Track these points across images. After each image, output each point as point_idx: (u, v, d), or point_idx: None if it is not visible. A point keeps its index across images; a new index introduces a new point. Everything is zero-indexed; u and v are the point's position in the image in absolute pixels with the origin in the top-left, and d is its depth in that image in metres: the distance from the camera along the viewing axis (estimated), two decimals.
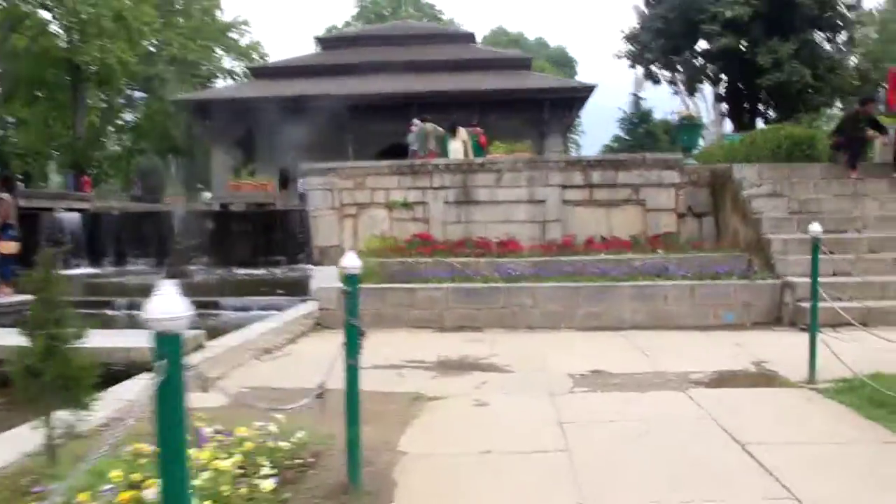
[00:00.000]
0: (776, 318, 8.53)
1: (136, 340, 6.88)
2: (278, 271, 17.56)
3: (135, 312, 11.95)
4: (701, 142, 15.61)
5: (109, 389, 4.93)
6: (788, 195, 10.39)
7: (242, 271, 18.15)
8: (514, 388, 5.47)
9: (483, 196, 11.46)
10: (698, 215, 11.61)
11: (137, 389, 4.93)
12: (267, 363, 6.68)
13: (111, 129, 50.58)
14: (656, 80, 28.99)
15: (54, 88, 44.11)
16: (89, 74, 40.93)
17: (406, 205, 11.36)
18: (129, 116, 52.19)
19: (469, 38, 36.16)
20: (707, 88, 29.51)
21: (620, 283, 8.77)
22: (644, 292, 8.64)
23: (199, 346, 6.97)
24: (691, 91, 27.23)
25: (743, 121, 27.36)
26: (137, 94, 50.25)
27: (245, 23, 51.10)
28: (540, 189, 11.48)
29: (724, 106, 29.40)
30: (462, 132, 15.92)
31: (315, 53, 34.56)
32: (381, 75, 28.57)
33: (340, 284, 9.13)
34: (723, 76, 27.49)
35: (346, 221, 11.47)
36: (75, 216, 19.60)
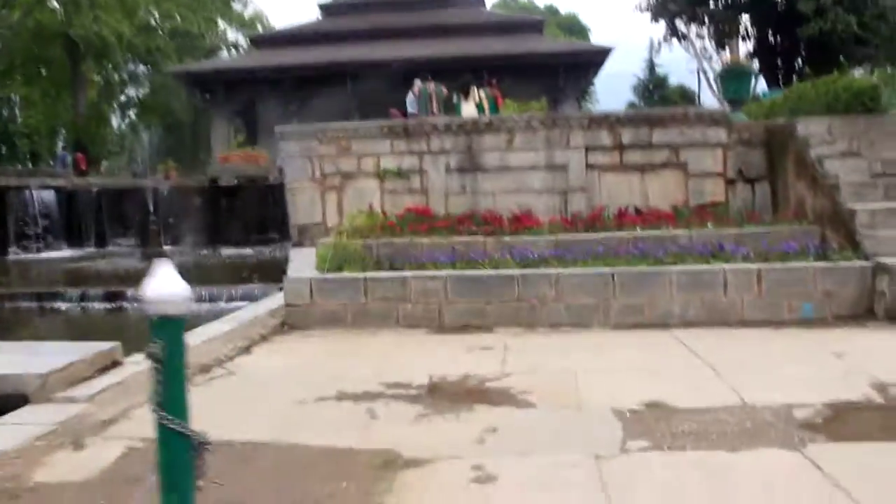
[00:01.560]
0: (866, 310, 6.65)
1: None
2: (268, 251, 15.91)
3: (87, 304, 10.28)
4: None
5: None
6: (868, 155, 8.42)
7: (229, 252, 16.53)
8: (535, 442, 3.64)
9: (492, 162, 9.58)
10: (751, 181, 9.69)
11: None
12: (199, 389, 4.88)
13: (115, 105, 49.36)
14: (683, 36, 26.68)
15: (53, 65, 42.70)
16: (86, 49, 39.44)
17: (400, 174, 9.50)
18: (132, 92, 50.96)
19: (478, 2, 34.26)
20: (732, 45, 27.22)
21: (667, 267, 6.91)
22: (697, 279, 6.77)
23: (113, 364, 5.22)
24: (721, 45, 24.96)
25: (776, 79, 25.14)
26: (140, 68, 48.87)
27: None
28: (559, 152, 9.60)
29: (756, 63, 27.13)
30: (476, 93, 14.18)
31: (318, 21, 32.81)
32: (386, 41, 27.11)
33: (314, 273, 7.02)
34: (754, 29, 25.19)
35: (329, 195, 9.65)
36: (49, 194, 18.02)
